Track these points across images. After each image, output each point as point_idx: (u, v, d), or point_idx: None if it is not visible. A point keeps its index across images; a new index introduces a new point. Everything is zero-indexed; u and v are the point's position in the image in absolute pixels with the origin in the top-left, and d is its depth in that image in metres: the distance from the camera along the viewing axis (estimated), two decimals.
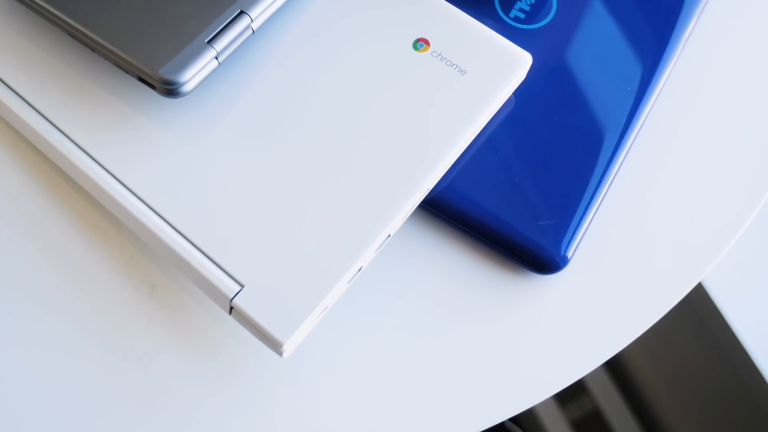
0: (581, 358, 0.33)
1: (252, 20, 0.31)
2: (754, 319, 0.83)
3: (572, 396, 0.84)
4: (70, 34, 0.31)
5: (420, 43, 0.33)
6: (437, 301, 0.33)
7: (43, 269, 0.33)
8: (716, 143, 0.36)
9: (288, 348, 0.29)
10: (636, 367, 0.83)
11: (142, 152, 0.31)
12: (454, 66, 0.32)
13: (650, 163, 0.36)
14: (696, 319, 0.83)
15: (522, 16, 0.36)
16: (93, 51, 0.31)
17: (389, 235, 0.31)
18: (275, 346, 0.29)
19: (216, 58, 0.30)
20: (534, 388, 0.32)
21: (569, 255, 0.33)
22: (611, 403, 0.83)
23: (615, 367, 0.84)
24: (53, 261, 0.33)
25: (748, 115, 0.37)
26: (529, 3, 0.36)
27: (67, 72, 0.33)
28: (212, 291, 0.30)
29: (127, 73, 0.30)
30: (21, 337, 0.32)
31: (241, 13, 0.31)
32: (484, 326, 0.33)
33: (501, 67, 0.32)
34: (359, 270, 0.30)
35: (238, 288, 0.29)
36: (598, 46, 0.36)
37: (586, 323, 0.33)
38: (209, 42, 0.30)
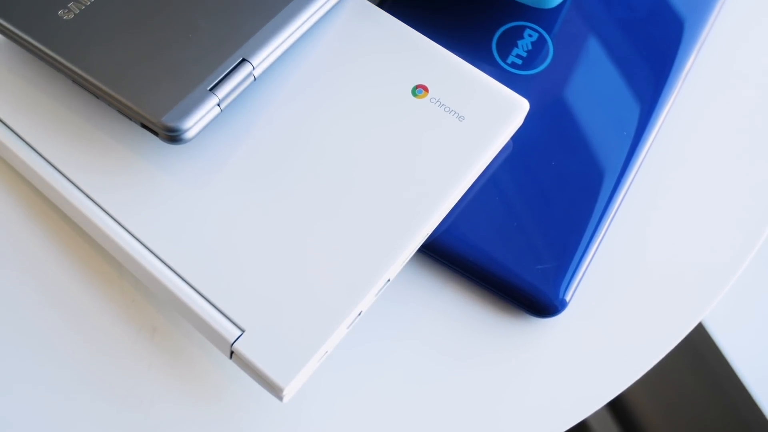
0: (583, 400, 0.33)
1: (254, 68, 0.31)
2: (753, 355, 0.83)
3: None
4: (75, 81, 0.32)
5: (419, 90, 0.33)
6: (437, 346, 0.33)
7: (44, 312, 0.33)
8: (713, 182, 0.37)
9: (288, 393, 0.29)
10: (635, 402, 0.83)
11: (144, 196, 0.32)
12: (453, 112, 0.33)
13: (647, 205, 0.36)
14: (695, 354, 0.83)
15: (519, 62, 0.36)
16: (97, 97, 0.31)
17: (389, 280, 0.31)
18: (276, 390, 0.29)
19: (218, 105, 0.31)
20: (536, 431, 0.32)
21: (567, 298, 0.33)
22: None
23: (615, 402, 0.84)
24: (54, 304, 0.33)
25: (745, 154, 0.37)
26: (525, 49, 0.37)
27: (71, 116, 0.33)
28: (213, 335, 0.30)
29: (130, 119, 0.31)
30: (21, 379, 0.32)
31: (243, 60, 0.31)
32: (484, 370, 0.33)
33: (499, 113, 0.33)
34: (359, 314, 0.30)
35: (238, 333, 0.29)
36: (594, 90, 0.36)
37: (587, 365, 0.33)
38: (212, 89, 0.30)
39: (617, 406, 0.84)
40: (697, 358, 0.83)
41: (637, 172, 0.35)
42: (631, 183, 0.35)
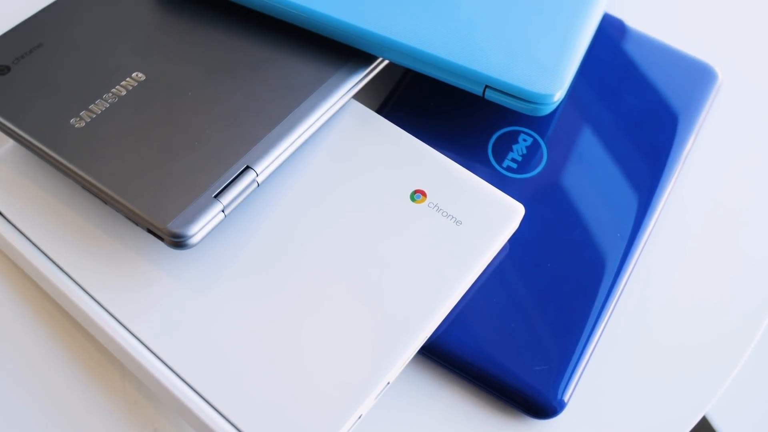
0: None
1: (257, 174, 0.32)
2: None
3: None
4: (83, 186, 0.33)
5: (417, 195, 0.34)
6: None
7: (45, 411, 0.33)
8: (707, 280, 0.37)
9: None
10: None
11: (148, 299, 0.32)
12: (451, 217, 0.34)
13: (643, 303, 0.37)
14: None
15: (514, 165, 0.38)
16: (105, 203, 0.32)
17: (388, 383, 0.31)
18: None
19: (222, 211, 0.31)
20: None
21: (566, 399, 0.33)
22: None
23: None
24: (56, 403, 0.33)
25: (741, 249, 0.38)
26: (521, 153, 0.38)
27: (78, 219, 0.34)
28: None
29: (136, 224, 0.32)
30: None
31: (247, 168, 0.32)
32: None
33: (495, 218, 0.34)
34: (359, 418, 0.31)
35: None
36: (588, 193, 0.37)
37: None
38: (216, 196, 0.31)
39: None
40: None
41: (632, 272, 0.36)
42: (626, 283, 0.36)
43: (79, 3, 0.38)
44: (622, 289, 0.36)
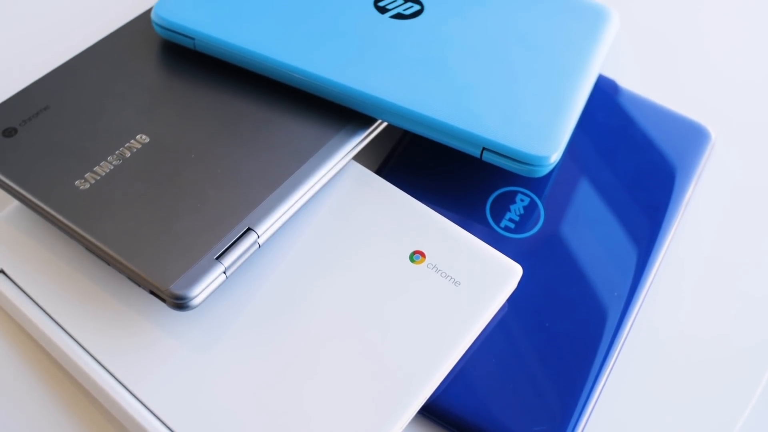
0: None
1: (258, 236, 0.33)
2: None
3: None
4: (87, 248, 0.33)
5: (416, 256, 0.35)
6: None
7: None
8: (706, 332, 0.38)
9: None
10: None
11: (150, 361, 0.32)
12: (449, 278, 0.34)
13: (643, 360, 0.37)
14: None
15: (512, 225, 0.38)
16: (108, 264, 0.33)
17: None
18: None
19: (224, 272, 0.32)
20: None
21: None
22: None
23: None
24: None
25: (739, 302, 0.39)
26: (518, 213, 0.38)
27: (81, 280, 0.34)
28: None
29: (139, 286, 0.32)
30: None
31: (249, 230, 0.33)
32: None
33: (493, 278, 0.34)
34: None
35: None
36: (585, 252, 0.38)
37: None
38: (218, 258, 0.32)
39: None
40: None
41: (629, 330, 0.36)
42: (624, 340, 0.36)
43: (85, 66, 0.39)
44: (621, 347, 0.36)
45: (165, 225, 0.33)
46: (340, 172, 0.37)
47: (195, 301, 0.31)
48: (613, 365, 0.35)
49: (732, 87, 0.47)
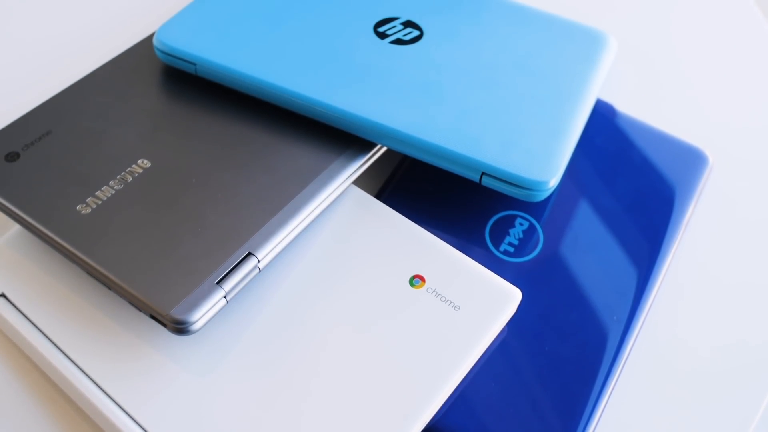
0: None
1: (259, 261, 0.33)
2: None
3: None
4: (88, 272, 0.33)
5: (416, 280, 0.35)
6: None
7: None
8: (707, 356, 0.38)
9: None
10: None
11: (151, 385, 0.32)
12: (449, 302, 0.34)
13: (644, 383, 0.37)
14: None
15: (511, 249, 0.38)
16: (109, 288, 0.33)
17: None
18: None
19: (224, 297, 0.32)
20: None
21: None
22: None
23: None
24: None
25: (739, 328, 0.39)
26: (517, 237, 0.39)
27: (82, 304, 0.35)
28: None
29: (140, 310, 0.32)
30: None
31: (249, 254, 0.33)
32: None
33: (493, 303, 0.34)
34: None
35: None
36: (584, 276, 0.38)
37: None
38: (218, 282, 0.32)
39: None
40: None
41: (629, 353, 0.36)
42: (624, 364, 0.36)
43: (88, 91, 0.39)
44: (621, 370, 0.36)
45: (166, 250, 0.33)
46: (340, 197, 0.38)
47: (196, 326, 0.31)
48: (613, 388, 0.36)
49: (729, 111, 0.48)
